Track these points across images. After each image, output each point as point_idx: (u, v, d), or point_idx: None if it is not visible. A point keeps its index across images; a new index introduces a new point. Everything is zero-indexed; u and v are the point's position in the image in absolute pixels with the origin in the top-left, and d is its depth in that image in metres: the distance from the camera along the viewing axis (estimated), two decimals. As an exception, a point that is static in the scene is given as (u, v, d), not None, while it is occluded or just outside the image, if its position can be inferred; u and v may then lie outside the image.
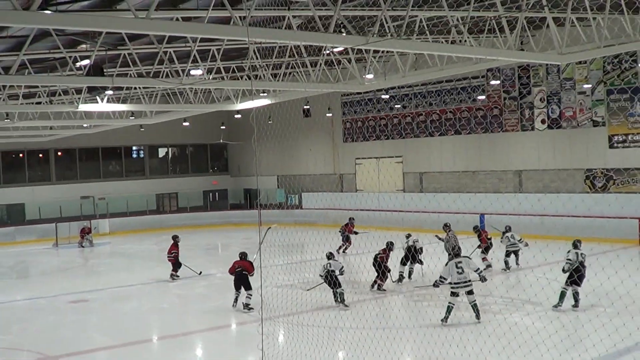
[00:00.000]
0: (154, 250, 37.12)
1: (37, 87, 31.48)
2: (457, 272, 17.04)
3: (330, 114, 45.67)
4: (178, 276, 27.01)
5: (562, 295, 18.05)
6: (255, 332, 14.11)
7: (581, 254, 18.37)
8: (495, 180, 37.79)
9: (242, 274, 20.71)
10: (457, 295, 17.13)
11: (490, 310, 18.12)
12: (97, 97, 29.15)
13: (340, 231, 31.85)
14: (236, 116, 45.26)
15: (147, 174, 55.92)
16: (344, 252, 30.89)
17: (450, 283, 17.29)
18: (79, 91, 30.73)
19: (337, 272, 20.06)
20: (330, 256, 20.74)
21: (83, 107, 30.55)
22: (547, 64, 33.99)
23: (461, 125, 39.45)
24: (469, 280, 17.06)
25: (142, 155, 56.58)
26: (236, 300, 20.69)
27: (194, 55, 23.77)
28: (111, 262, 35.52)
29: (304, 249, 31.98)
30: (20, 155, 50.89)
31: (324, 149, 48.75)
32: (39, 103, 33.31)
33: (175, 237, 27.33)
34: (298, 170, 50.76)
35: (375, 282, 22.46)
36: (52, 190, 50.40)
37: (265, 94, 33.12)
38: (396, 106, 42.99)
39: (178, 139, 55.39)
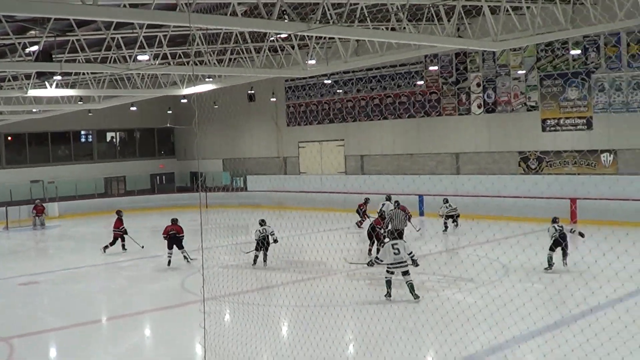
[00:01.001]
0: (103, 232, 36.75)
1: (-14, 72, 31.06)
2: (394, 254, 17.36)
3: (274, 99, 45.79)
4: (126, 249, 28.60)
5: (550, 259, 19.54)
6: (199, 311, 14.23)
7: (560, 225, 19.73)
8: (433, 162, 38.18)
9: (175, 236, 24.49)
10: (393, 273, 17.50)
11: (424, 287, 18.37)
12: (46, 83, 29.05)
13: (357, 211, 32.23)
14: (182, 101, 45.21)
15: (96, 158, 55.50)
16: (360, 226, 31.33)
17: (386, 264, 17.61)
18: (28, 77, 30.48)
19: (270, 239, 22.32)
20: (262, 222, 22.62)
21: (32, 92, 30.43)
22: (483, 51, 34.37)
23: (401, 109, 39.74)
24: (405, 261, 17.33)
25: (90, 140, 56.10)
26: (170, 259, 23.87)
27: (141, 41, 23.69)
28: (61, 244, 35.26)
29: (249, 230, 31.98)
30: (-30, 140, 50.32)
31: (268, 133, 48.77)
32: (-11, 88, 32.96)
33: (119, 212, 29.50)
34: (243, 154, 50.76)
35: (370, 250, 23.97)
36: (2, 174, 49.77)
37: (211, 79, 33.21)
38: (338, 91, 43.18)
39: (126, 123, 55.10)
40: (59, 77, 29.02)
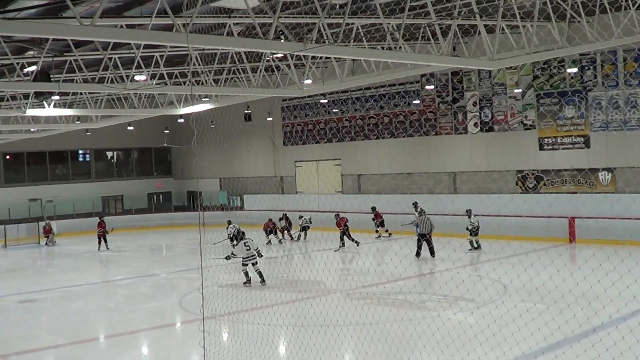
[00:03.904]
0: (101, 251, 36.78)
1: (-16, 92, 30.98)
2: (246, 250, 22.31)
3: (271, 118, 45.71)
4: (109, 248, 34.88)
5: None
6: (198, 330, 14.01)
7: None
8: (430, 181, 37.96)
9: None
10: (247, 265, 22.48)
11: (425, 307, 18.17)
12: (44, 102, 29.00)
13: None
14: (179, 120, 45.06)
15: (94, 177, 55.37)
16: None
17: (242, 257, 22.41)
18: (26, 96, 30.45)
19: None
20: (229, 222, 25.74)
21: (30, 112, 30.35)
22: (479, 70, 34.22)
23: (397, 128, 39.57)
24: (254, 256, 22.35)
25: (88, 159, 55.97)
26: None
27: (138, 62, 23.66)
28: (59, 262, 35.03)
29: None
30: (-31, 159, 50.28)
31: (264, 152, 48.61)
32: (-14, 108, 32.88)
33: (100, 216, 35.78)
34: (240, 173, 50.56)
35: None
36: (1, 193, 49.76)
37: (207, 99, 33.11)
38: (334, 110, 43.01)
39: (123, 142, 54.98)
40: (57, 97, 28.98)
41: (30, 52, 23.17)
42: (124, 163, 58.54)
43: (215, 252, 24.29)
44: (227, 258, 23.71)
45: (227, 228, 32.11)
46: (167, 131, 52.71)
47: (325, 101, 42.48)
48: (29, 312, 21.46)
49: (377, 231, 34.59)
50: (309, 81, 29.02)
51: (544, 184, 32.93)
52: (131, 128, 45.42)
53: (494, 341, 13.18)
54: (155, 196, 56.03)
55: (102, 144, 54.37)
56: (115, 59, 24.51)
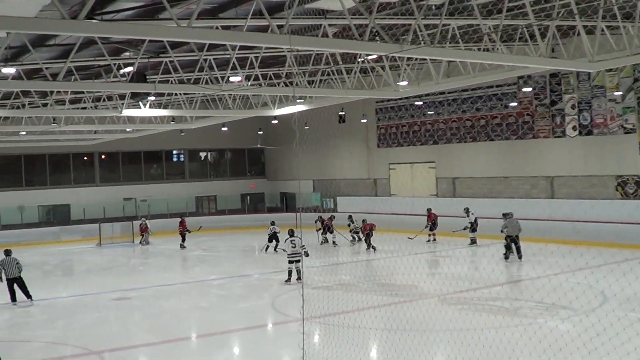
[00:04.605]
0: (194, 250, 37.31)
1: (82, 93, 31.85)
2: (292, 247, 23.63)
3: (365, 120, 45.66)
4: (185, 247, 37.90)
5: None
6: (292, 331, 14.13)
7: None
8: (527, 186, 37.47)
9: None
10: (292, 263, 23.71)
11: (520, 314, 18.03)
12: (140, 103, 29.49)
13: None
14: (273, 122, 45.31)
15: (187, 177, 56.32)
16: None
17: (288, 253, 23.87)
18: (122, 97, 31.00)
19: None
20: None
21: (126, 112, 30.97)
22: (577, 72, 33.70)
23: (493, 131, 39.21)
24: (299, 254, 23.22)
25: (182, 159, 56.96)
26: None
27: (233, 63, 23.92)
28: (152, 261, 35.86)
29: (339, 252, 32.06)
30: (66, 158, 51.53)
31: (358, 154, 48.71)
32: (85, 108, 33.81)
33: (182, 215, 40.27)
34: (333, 175, 50.67)
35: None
36: (96, 192, 51.08)
37: (302, 100, 33.23)
38: (429, 112, 42.79)
39: (217, 143, 55.74)
40: (152, 98, 29.44)
41: (127, 54, 23.57)
42: (217, 163, 59.29)
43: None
44: (272, 249, 30.52)
45: (268, 228, 34.50)
46: (260, 132, 53.23)
47: (420, 103, 42.26)
48: (123, 309, 22.03)
49: (429, 235, 35.20)
50: (404, 83, 28.97)
51: (645, 190, 32.27)
52: (225, 129, 45.87)
53: (591, 347, 13.01)
54: (248, 197, 56.52)
55: (196, 145, 55.20)
56: (210, 60, 24.83)
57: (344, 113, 39.80)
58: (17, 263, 22.98)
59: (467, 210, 33.04)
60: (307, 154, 49.91)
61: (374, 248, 32.20)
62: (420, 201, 39.16)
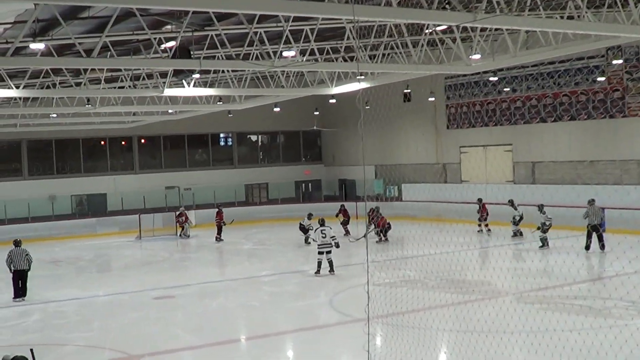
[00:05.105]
0: (243, 244, 37.52)
1: (119, 70, 31.92)
2: (322, 237, 25.48)
3: (433, 99, 45.38)
4: (222, 239, 38.52)
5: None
6: (353, 332, 14.15)
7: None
8: (616, 170, 37.03)
9: None
10: (322, 254, 25.37)
11: (612, 315, 17.88)
12: (184, 81, 29.61)
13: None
14: (331, 101, 45.47)
15: (236, 163, 56.63)
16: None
17: (318, 244, 25.63)
18: (163, 75, 31.23)
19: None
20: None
21: (168, 92, 31.08)
22: (675, 42, 33.30)
23: (578, 110, 38.79)
24: (330, 244, 25.25)
25: (230, 143, 57.27)
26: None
27: (286, 36, 23.88)
28: (197, 256, 36.11)
29: (404, 245, 31.95)
30: (102, 142, 52.25)
31: (425, 137, 48.55)
32: (122, 87, 33.87)
33: (219, 205, 41.40)
34: (398, 160, 50.65)
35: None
36: (135, 179, 51.54)
37: (363, 77, 33.10)
38: (505, 89, 42.45)
39: (268, 125, 55.90)
40: (197, 75, 29.65)
41: (168, 27, 23.64)
42: (269, 148, 59.52)
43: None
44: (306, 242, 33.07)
45: (303, 219, 36.00)
46: (317, 113, 53.05)
47: (495, 79, 41.90)
48: (166, 309, 22.19)
49: (479, 225, 36.87)
50: (477, 56, 28.79)
51: None
52: (278, 109, 46.03)
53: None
54: (303, 184, 56.66)
55: (245, 127, 55.46)
56: (261, 33, 24.86)
57: (409, 91, 39.66)
58: (27, 255, 23.41)
59: (540, 207, 31.45)
60: (368, 137, 49.80)
61: (387, 240, 34.62)
62: (495, 188, 38.97)
